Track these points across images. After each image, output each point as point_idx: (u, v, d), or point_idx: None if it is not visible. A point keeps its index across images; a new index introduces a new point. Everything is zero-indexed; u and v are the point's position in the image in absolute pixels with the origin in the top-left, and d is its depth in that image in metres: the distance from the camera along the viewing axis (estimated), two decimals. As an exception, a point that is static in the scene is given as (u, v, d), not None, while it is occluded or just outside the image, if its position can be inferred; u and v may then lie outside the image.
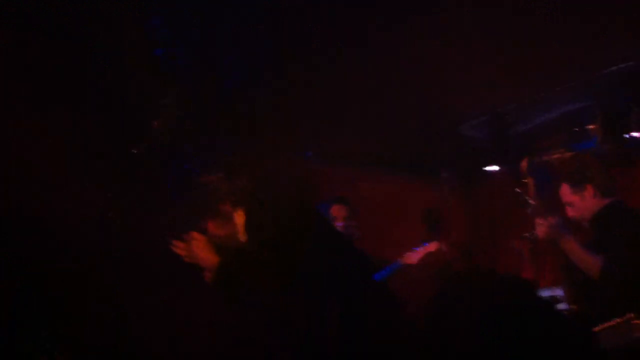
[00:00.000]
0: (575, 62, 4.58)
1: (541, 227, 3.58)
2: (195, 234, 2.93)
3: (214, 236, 2.96)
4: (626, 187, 5.31)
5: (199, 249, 2.92)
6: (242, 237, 2.86)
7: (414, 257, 4.71)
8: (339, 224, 4.29)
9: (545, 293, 4.15)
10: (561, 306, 3.80)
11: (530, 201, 3.68)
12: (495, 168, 5.98)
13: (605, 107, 5.10)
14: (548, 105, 5.29)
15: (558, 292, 3.84)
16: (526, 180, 3.65)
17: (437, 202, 6.00)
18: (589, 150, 5.38)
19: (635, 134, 5.27)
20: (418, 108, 4.96)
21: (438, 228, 5.90)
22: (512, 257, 5.78)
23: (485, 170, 6.09)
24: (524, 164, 3.69)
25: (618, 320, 2.90)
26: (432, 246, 4.77)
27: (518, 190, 3.70)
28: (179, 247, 2.96)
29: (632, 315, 2.81)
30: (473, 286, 1.14)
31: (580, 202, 3.67)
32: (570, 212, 3.73)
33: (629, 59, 4.67)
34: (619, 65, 4.68)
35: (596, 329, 3.05)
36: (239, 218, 2.88)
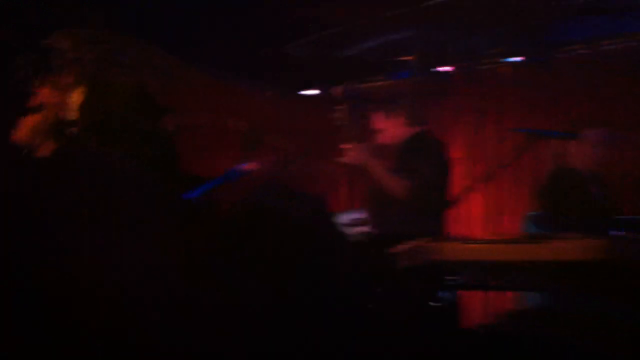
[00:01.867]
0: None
1: (350, 152, 3.69)
2: None
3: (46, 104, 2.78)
4: (435, 118, 5.58)
5: None
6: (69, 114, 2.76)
7: (233, 175, 4.66)
8: None
9: (352, 215, 4.30)
10: (364, 228, 3.95)
11: (344, 126, 3.75)
12: (317, 91, 6.04)
13: (422, 39, 5.26)
14: (370, 33, 5.35)
15: (363, 214, 3.99)
16: (341, 106, 3.71)
17: (259, 121, 5.97)
18: (405, 80, 5.57)
19: (448, 68, 5.52)
20: (245, 26, 4.85)
21: (258, 147, 5.89)
22: (327, 179, 5.94)
23: (309, 91, 6.13)
24: (339, 89, 3.75)
25: (416, 242, 3.05)
26: (252, 165, 4.75)
27: (334, 114, 3.76)
28: None
29: (428, 238, 2.96)
30: (268, 199, 1.13)
31: (391, 128, 3.80)
32: (383, 137, 3.85)
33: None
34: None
35: (394, 249, 3.20)
36: (77, 95, 2.72)
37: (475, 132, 5.66)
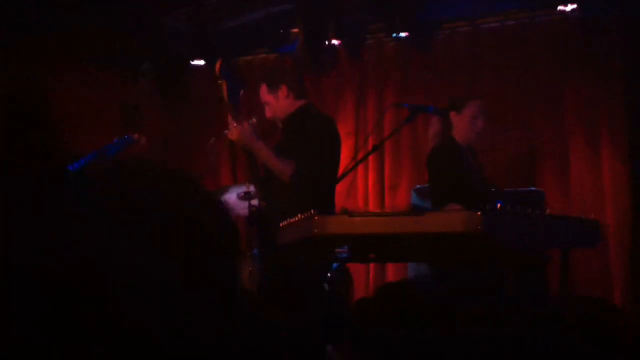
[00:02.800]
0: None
1: (233, 130, 3.64)
2: None
3: None
4: (318, 92, 5.59)
5: None
6: None
7: (112, 150, 4.50)
8: None
9: (240, 189, 4.24)
10: (254, 202, 3.91)
11: (225, 102, 3.69)
12: (201, 63, 5.90)
13: (307, 12, 5.24)
14: (253, 4, 5.28)
15: (251, 188, 3.94)
16: (220, 82, 3.63)
17: (136, 95, 5.79)
18: (290, 53, 5.54)
19: (334, 42, 5.52)
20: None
21: (136, 122, 5.71)
22: (210, 154, 5.84)
23: (190, 65, 5.98)
24: (217, 66, 3.66)
25: (301, 216, 3.04)
26: (131, 139, 4.61)
27: (216, 91, 3.69)
28: None
29: (313, 212, 2.95)
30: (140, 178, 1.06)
31: (275, 101, 3.76)
32: (268, 111, 3.82)
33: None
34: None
35: (282, 224, 3.18)
36: None
37: (360, 106, 5.71)
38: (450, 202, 3.53)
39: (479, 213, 2.63)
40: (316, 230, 2.93)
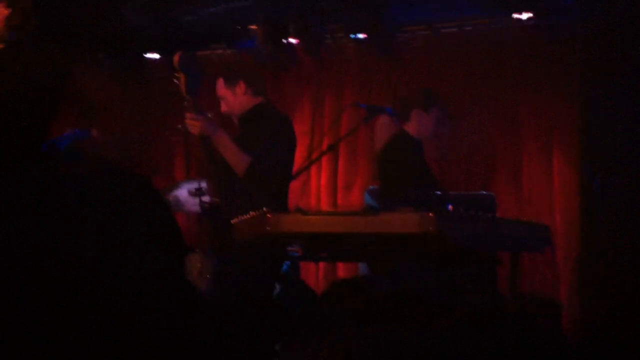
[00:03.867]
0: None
1: (193, 123, 3.58)
2: None
3: None
4: (276, 90, 5.58)
5: None
6: None
7: (63, 142, 4.42)
8: None
9: (192, 185, 4.20)
10: (205, 198, 3.88)
11: (184, 95, 3.64)
12: (156, 56, 5.83)
13: (266, 9, 5.22)
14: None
15: (203, 184, 3.91)
16: (178, 75, 3.59)
17: (93, 88, 5.69)
18: (248, 50, 5.51)
19: (292, 40, 5.51)
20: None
21: (92, 114, 5.62)
22: (165, 147, 5.78)
23: (147, 57, 5.91)
24: (175, 58, 3.62)
25: (253, 213, 3.02)
26: (83, 133, 4.54)
27: (175, 82, 3.63)
28: None
29: (266, 209, 2.94)
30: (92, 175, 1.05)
31: (232, 97, 3.74)
32: (223, 106, 3.79)
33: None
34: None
35: (234, 221, 3.16)
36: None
37: (318, 105, 5.72)
38: (400, 197, 3.56)
39: (432, 214, 2.66)
40: (269, 228, 2.92)
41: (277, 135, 3.69)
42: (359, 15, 5.23)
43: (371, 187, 4.78)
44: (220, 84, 3.77)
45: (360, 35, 5.43)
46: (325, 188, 5.56)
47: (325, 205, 5.48)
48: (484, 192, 4.76)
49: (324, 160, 5.28)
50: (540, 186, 5.04)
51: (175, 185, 4.63)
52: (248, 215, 3.05)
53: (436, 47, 5.40)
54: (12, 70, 2.77)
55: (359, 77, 5.58)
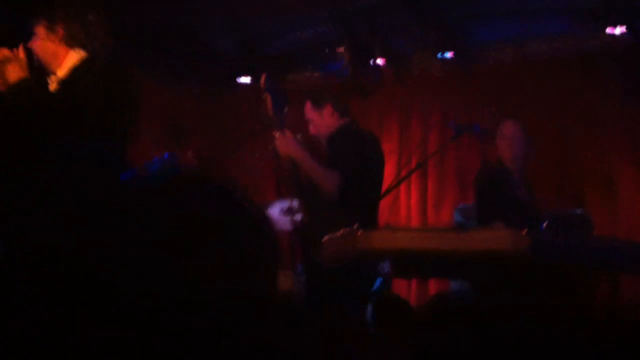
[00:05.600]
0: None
1: (278, 141, 3.66)
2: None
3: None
4: (363, 110, 5.62)
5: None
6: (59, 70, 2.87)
7: (154, 167, 4.55)
8: None
9: (283, 204, 4.26)
10: (297, 217, 3.92)
11: (270, 115, 3.72)
12: (248, 80, 5.97)
13: (352, 32, 5.28)
14: (300, 27, 5.34)
15: (294, 203, 3.96)
16: (265, 95, 3.67)
17: (181, 110, 5.87)
18: (335, 72, 5.58)
19: (379, 62, 5.55)
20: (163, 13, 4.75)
21: (182, 137, 5.80)
22: (254, 168, 5.88)
23: (237, 82, 6.06)
24: (262, 79, 3.70)
25: (343, 231, 3.04)
26: (174, 158, 4.65)
27: (261, 105, 3.73)
28: None
29: (356, 226, 2.96)
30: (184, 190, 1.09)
31: (319, 119, 3.79)
32: (311, 128, 3.85)
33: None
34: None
35: (325, 238, 3.19)
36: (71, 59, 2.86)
37: (404, 124, 5.72)
38: (495, 220, 3.51)
39: (525, 232, 2.61)
40: (359, 245, 2.94)
41: (365, 153, 3.72)
42: (445, 34, 5.22)
43: (461, 205, 4.75)
44: (308, 106, 3.83)
45: (448, 54, 5.41)
46: (415, 206, 5.54)
47: (415, 224, 5.46)
48: (579, 211, 4.63)
49: (413, 178, 5.27)
50: (635, 201, 4.87)
51: (267, 204, 4.70)
52: (338, 233, 3.08)
53: (524, 64, 5.33)
54: (85, 85, 2.82)
55: (446, 95, 5.55)
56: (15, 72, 2.77)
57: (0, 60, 2.78)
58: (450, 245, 2.79)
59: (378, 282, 3.93)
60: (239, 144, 6.01)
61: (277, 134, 3.67)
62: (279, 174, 5.05)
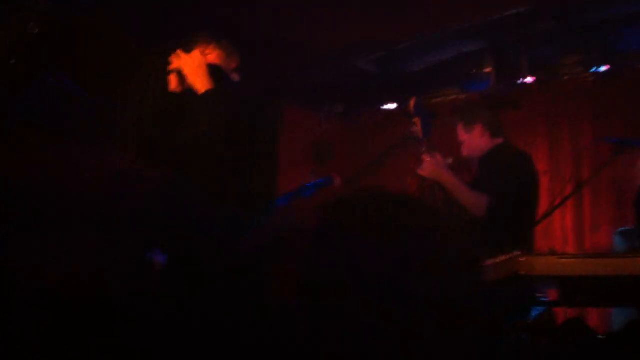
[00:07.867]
0: (470, 3, 4.60)
1: (426, 164, 3.63)
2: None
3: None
4: (513, 128, 5.48)
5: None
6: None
7: (309, 191, 4.63)
8: None
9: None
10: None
11: (420, 138, 3.71)
12: (393, 106, 5.99)
13: (498, 51, 5.18)
14: (443, 46, 5.30)
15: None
16: (414, 120, 3.66)
17: (324, 136, 5.96)
18: (482, 92, 5.48)
19: (527, 80, 5.40)
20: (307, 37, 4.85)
21: (329, 162, 5.88)
22: (403, 191, 5.85)
23: (381, 106, 6.09)
24: (411, 103, 3.70)
25: (504, 256, 2.96)
26: (329, 181, 4.71)
27: (411, 128, 3.72)
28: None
29: (519, 252, 2.87)
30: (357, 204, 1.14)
31: (470, 140, 3.75)
32: (464, 150, 3.81)
33: (522, 4, 4.73)
34: (512, 10, 4.74)
35: (485, 263, 3.12)
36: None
37: (554, 143, 5.53)
38: None
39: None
40: (522, 271, 2.84)
41: (519, 173, 3.63)
42: (596, 47, 5.01)
43: (622, 228, 4.51)
44: (460, 129, 3.79)
45: (603, 68, 5.17)
46: (572, 229, 5.32)
47: (572, 248, 5.24)
48: None
49: (571, 200, 5.06)
50: None
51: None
52: (501, 257, 2.99)
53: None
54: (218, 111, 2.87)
55: (598, 110, 5.32)
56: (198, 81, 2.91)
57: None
58: (624, 271, 2.64)
59: (536, 312, 3.79)
60: (381, 163, 6.02)
61: (427, 158, 3.64)
62: (420, 194, 5.01)
